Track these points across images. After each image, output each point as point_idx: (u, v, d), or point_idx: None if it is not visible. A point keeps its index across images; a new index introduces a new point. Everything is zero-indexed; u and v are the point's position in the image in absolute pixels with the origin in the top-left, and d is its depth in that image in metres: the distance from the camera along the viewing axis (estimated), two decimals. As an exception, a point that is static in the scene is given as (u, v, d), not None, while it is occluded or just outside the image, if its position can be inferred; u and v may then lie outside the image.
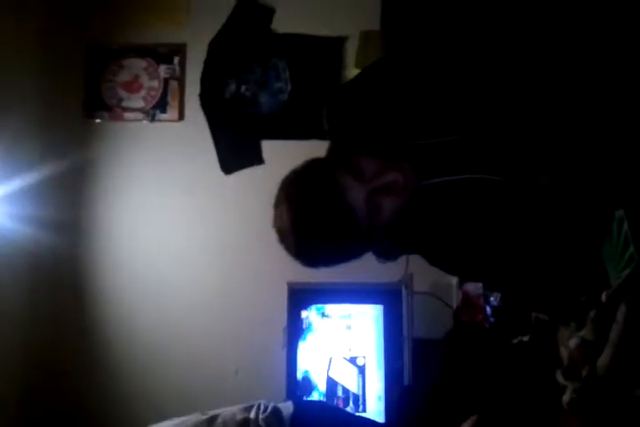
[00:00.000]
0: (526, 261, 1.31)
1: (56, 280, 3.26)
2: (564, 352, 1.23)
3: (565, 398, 1.14)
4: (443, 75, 1.42)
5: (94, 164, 3.35)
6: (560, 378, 1.18)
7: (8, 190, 2.99)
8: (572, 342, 1.18)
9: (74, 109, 3.39)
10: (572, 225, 1.27)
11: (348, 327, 2.78)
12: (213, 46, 3.40)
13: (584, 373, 1.12)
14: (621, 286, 1.13)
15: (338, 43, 3.38)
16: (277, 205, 1.36)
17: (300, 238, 1.32)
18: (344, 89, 1.72)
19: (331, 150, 1.51)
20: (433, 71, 1.43)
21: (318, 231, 1.29)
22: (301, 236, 1.31)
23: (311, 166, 1.37)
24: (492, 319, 2.45)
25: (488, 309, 2.49)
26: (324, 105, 1.57)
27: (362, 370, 2.76)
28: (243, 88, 3.38)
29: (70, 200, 3.32)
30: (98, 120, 3.41)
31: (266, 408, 1.24)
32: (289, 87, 3.36)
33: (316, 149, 1.51)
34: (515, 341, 2.11)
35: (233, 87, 3.38)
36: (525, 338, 2.04)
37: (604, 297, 1.16)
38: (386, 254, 1.53)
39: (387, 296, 2.74)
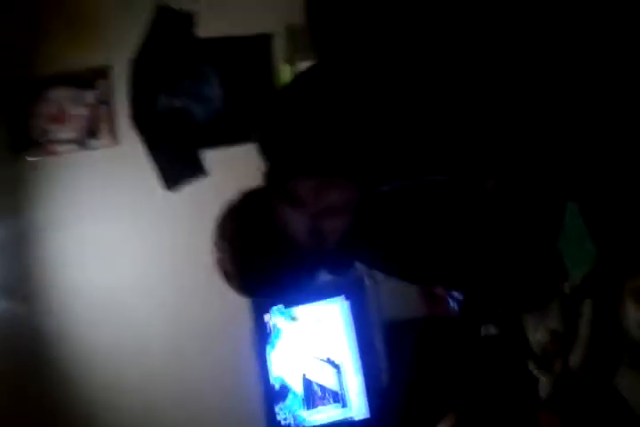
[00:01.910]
0: (483, 258, 1.26)
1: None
2: (532, 340, 1.25)
3: (542, 391, 1.15)
4: (381, 75, 1.31)
5: (32, 204, 3.21)
6: (533, 368, 1.20)
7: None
8: (543, 336, 1.19)
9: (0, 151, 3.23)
10: (524, 220, 1.23)
11: (317, 324, 2.67)
12: (137, 63, 3.26)
13: (557, 366, 1.13)
14: (585, 280, 1.12)
15: (265, 40, 3.24)
16: (217, 243, 1.30)
17: (245, 280, 1.27)
18: (274, 105, 1.58)
19: (266, 176, 1.42)
20: (369, 73, 1.33)
21: (263, 270, 1.24)
22: (246, 277, 1.26)
23: (247, 200, 1.32)
24: (456, 309, 2.30)
25: (450, 301, 2.34)
26: (254, 129, 1.46)
27: (338, 367, 2.63)
28: (175, 101, 3.24)
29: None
30: (29, 158, 3.24)
31: None
32: (222, 92, 3.21)
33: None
34: (483, 332, 2.05)
35: (164, 102, 3.24)
36: (492, 329, 1.99)
37: (567, 289, 1.17)
38: (338, 271, 1.44)
39: (350, 288, 2.64)
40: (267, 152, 1.41)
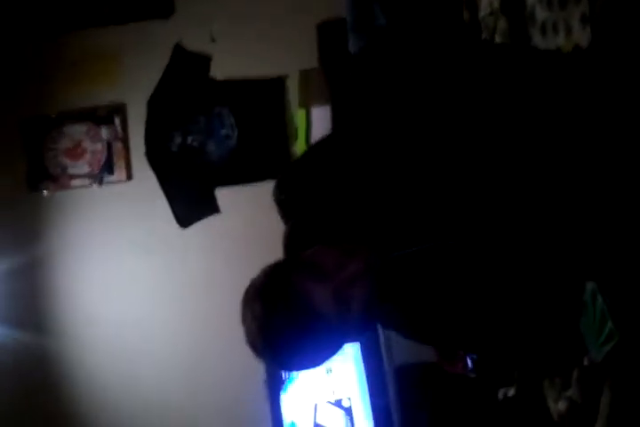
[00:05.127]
0: (498, 324, 1.29)
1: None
2: (552, 408, 1.27)
3: None
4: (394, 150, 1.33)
5: (47, 238, 3.25)
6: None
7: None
8: (562, 405, 1.20)
9: (18, 185, 3.29)
10: (541, 297, 1.24)
11: (329, 371, 2.66)
12: (154, 101, 3.34)
13: None
14: (606, 359, 1.14)
15: (278, 83, 3.33)
16: (244, 322, 1.30)
17: (275, 355, 1.27)
18: (293, 171, 1.64)
19: (286, 246, 1.43)
20: (382, 146, 1.34)
21: (292, 345, 1.24)
22: (276, 352, 1.26)
23: (270, 277, 1.31)
24: (472, 370, 2.33)
25: (469, 361, 2.36)
26: (274, 189, 1.47)
27: (349, 411, 2.64)
28: (189, 139, 3.32)
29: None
30: (45, 192, 3.30)
31: None
32: (235, 133, 3.29)
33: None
34: (500, 394, 2.06)
35: (179, 140, 3.33)
36: (510, 391, 2.00)
37: (586, 361, 1.19)
38: (362, 334, 1.47)
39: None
40: (287, 215, 1.44)
